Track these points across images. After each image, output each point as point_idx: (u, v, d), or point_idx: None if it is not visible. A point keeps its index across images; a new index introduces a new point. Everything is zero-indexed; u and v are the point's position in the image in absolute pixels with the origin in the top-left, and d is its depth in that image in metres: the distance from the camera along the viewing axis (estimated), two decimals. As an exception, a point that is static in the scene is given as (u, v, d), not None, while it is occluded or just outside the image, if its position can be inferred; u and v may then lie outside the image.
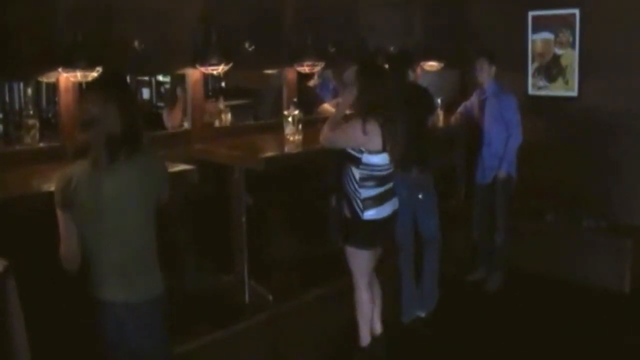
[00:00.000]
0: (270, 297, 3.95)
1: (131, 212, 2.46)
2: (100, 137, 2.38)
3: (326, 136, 3.70)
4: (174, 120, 4.65)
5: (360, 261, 3.70)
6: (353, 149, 3.56)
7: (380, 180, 3.61)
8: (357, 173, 3.59)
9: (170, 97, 4.92)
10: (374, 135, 3.49)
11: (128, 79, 4.37)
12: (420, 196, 4.39)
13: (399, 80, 4.24)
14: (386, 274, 3.95)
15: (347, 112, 3.80)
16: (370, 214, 3.60)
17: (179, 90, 4.62)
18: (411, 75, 4.63)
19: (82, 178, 2.40)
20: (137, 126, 2.46)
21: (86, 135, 2.42)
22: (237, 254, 3.98)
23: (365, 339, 3.83)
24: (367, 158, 3.54)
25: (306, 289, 4.15)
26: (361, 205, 3.59)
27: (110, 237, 2.45)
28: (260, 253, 4.16)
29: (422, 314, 4.53)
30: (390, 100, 3.56)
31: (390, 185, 3.68)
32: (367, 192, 3.58)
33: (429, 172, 4.49)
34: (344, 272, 3.86)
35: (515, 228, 5.19)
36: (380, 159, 3.56)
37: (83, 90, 3.46)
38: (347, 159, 3.61)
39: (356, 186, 3.60)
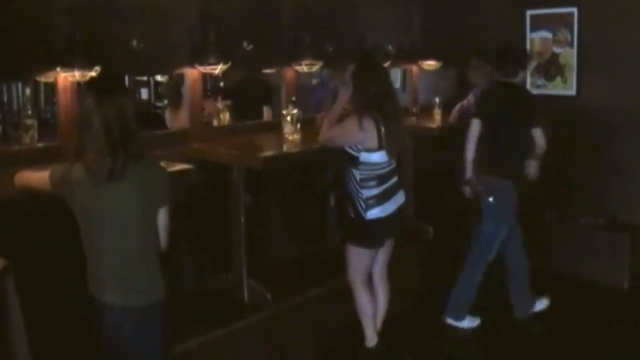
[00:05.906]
0: (269, 296, 3.94)
1: (131, 220, 2.45)
2: (94, 143, 2.36)
3: (325, 135, 3.70)
4: (180, 120, 4.44)
5: (360, 259, 3.70)
6: (351, 148, 3.54)
7: (382, 179, 3.59)
8: (357, 174, 3.57)
9: (174, 97, 4.78)
10: (370, 131, 3.48)
11: (126, 80, 4.31)
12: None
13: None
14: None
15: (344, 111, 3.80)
16: (373, 213, 3.58)
17: (183, 90, 4.38)
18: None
19: (81, 185, 2.39)
20: (132, 133, 2.42)
21: (81, 139, 2.40)
22: (236, 252, 3.98)
23: (371, 339, 3.82)
24: (365, 157, 3.53)
25: (305, 287, 4.15)
26: (364, 205, 3.57)
27: (110, 244, 2.44)
28: (258, 252, 4.16)
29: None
30: (387, 97, 3.55)
31: (393, 181, 3.65)
32: (368, 192, 3.57)
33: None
34: (342, 271, 3.86)
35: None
36: (379, 157, 3.54)
37: (79, 91, 3.45)
38: (346, 159, 3.60)
39: (357, 187, 3.58)
